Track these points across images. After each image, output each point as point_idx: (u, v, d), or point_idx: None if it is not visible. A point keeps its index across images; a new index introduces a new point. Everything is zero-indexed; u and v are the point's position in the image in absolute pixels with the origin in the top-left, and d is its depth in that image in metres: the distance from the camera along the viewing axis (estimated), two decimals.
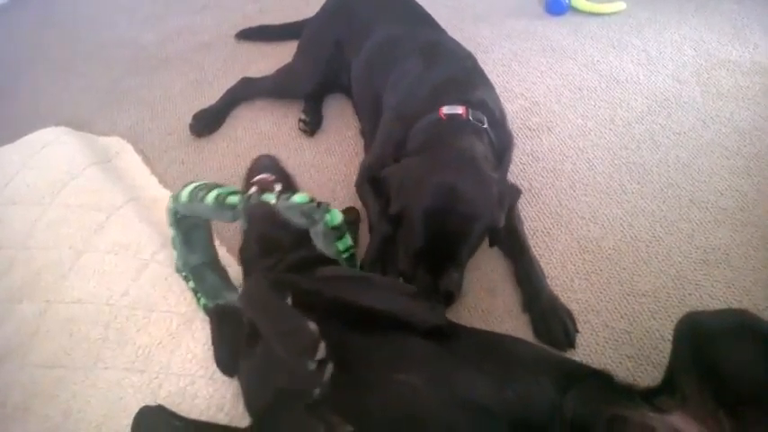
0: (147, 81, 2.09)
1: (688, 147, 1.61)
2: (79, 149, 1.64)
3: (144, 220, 1.42)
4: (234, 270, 1.30)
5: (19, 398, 1.11)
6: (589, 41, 2.03)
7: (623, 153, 1.61)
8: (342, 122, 1.83)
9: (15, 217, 1.45)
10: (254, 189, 1.14)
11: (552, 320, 1.19)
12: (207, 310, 1.17)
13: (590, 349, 1.18)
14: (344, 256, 1.09)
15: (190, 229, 1.20)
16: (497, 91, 1.49)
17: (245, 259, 1.19)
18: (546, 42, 2.04)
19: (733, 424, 0.69)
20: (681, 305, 1.25)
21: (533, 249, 1.34)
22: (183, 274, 1.22)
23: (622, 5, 2.13)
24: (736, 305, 1.24)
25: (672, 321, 1.21)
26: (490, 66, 1.86)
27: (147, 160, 1.72)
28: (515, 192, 1.27)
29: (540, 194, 1.52)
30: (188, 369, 1.10)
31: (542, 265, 1.32)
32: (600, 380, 0.87)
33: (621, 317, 1.24)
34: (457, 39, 1.64)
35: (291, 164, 1.57)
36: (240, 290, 1.12)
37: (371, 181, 1.39)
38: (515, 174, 1.56)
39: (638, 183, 1.53)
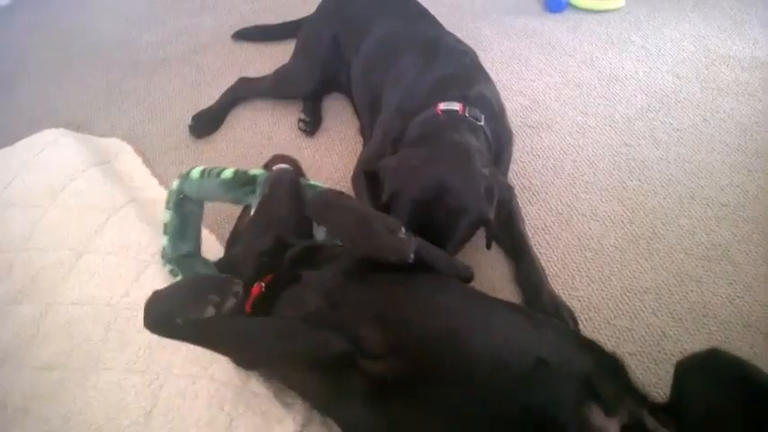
0: (146, 82, 2.09)
1: (688, 143, 1.61)
2: (79, 151, 1.63)
3: (144, 220, 1.41)
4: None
5: (19, 400, 1.10)
6: (588, 38, 2.02)
7: (623, 150, 1.61)
8: (341, 122, 1.82)
9: (15, 219, 1.44)
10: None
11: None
12: None
13: None
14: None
15: (186, 215, 1.21)
16: (497, 88, 1.48)
17: (239, 237, 1.19)
18: (545, 40, 2.04)
19: None
20: (682, 302, 1.25)
21: (534, 247, 1.34)
22: (169, 267, 1.20)
23: (621, 2, 2.12)
24: (737, 301, 1.24)
25: (673, 318, 1.22)
26: (489, 64, 1.85)
27: (147, 161, 1.71)
28: (505, 187, 1.26)
29: (540, 192, 1.52)
30: (189, 369, 1.09)
31: (543, 262, 1.32)
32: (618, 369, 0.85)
33: (623, 314, 1.24)
34: None
35: None
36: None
37: (367, 174, 1.40)
38: (515, 171, 1.56)
39: (639, 179, 1.52)
